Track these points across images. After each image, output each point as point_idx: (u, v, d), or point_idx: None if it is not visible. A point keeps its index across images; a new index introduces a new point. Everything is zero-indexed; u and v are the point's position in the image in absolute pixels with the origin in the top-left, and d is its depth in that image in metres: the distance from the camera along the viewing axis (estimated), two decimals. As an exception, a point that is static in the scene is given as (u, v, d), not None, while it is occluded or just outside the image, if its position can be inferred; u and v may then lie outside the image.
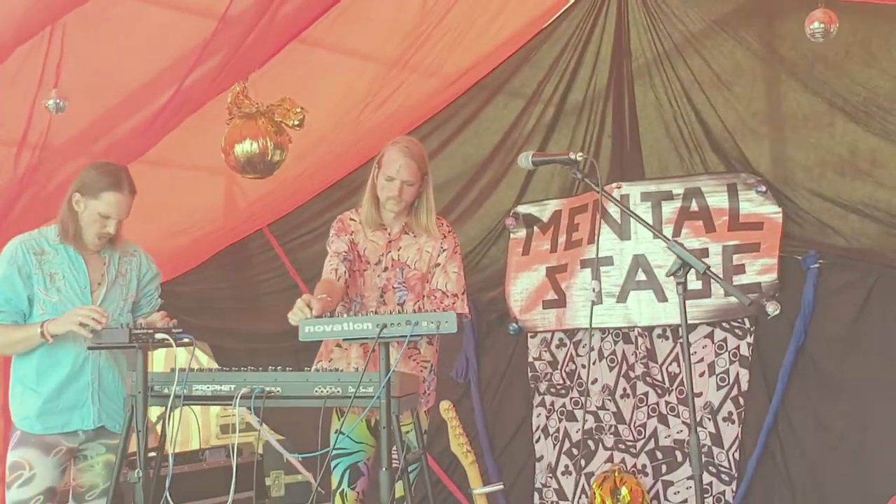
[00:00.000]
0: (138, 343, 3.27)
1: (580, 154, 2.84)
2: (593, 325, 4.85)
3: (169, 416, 3.35)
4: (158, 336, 3.32)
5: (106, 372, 3.59)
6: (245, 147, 4.75)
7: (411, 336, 3.12)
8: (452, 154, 5.47)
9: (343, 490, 3.68)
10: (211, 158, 5.23)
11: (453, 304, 3.70)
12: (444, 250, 3.78)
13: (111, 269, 3.64)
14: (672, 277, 4.44)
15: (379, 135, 5.04)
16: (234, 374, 3.35)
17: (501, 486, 3.16)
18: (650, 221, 4.68)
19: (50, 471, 3.48)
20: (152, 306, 3.75)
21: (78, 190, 3.52)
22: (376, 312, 3.68)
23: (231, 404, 3.29)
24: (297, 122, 4.84)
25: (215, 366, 5.74)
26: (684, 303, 2.69)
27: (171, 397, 3.28)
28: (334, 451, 3.70)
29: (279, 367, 3.38)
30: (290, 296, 6.11)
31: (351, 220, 3.84)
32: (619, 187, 4.78)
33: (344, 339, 3.43)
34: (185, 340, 3.36)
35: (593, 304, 3.14)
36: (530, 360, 5.15)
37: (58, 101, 3.93)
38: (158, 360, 6.20)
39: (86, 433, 3.55)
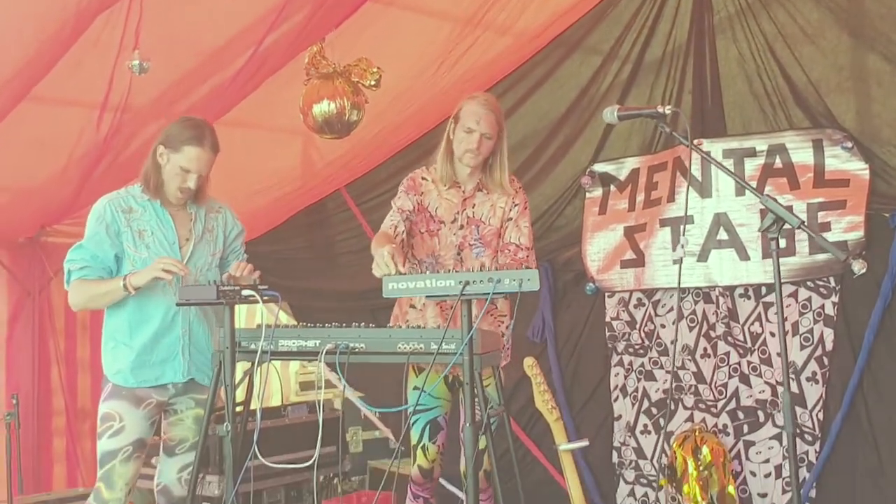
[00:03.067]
0: (226, 299, 3.33)
1: (668, 107, 2.79)
2: (672, 286, 4.81)
3: (257, 371, 3.43)
4: (245, 293, 3.38)
5: (196, 326, 3.67)
6: (322, 107, 4.79)
7: (494, 293, 3.13)
8: (528, 112, 5.43)
9: (424, 444, 3.72)
10: (289, 119, 5.28)
11: (527, 256, 3.74)
12: (515, 205, 3.80)
13: (198, 225, 3.70)
14: (757, 238, 4.46)
15: (454, 93, 5.02)
16: (319, 330, 3.41)
17: (587, 443, 3.16)
18: (732, 179, 4.60)
19: (139, 423, 3.58)
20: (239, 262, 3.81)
21: (162, 143, 3.59)
22: (455, 271, 3.70)
23: (316, 359, 3.36)
24: (373, 82, 4.86)
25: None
26: (778, 259, 2.64)
27: (259, 352, 3.35)
28: (405, 408, 3.74)
29: (363, 324, 3.43)
30: (367, 256, 6.16)
31: (423, 178, 3.85)
32: (699, 144, 4.69)
33: (427, 297, 3.43)
34: (272, 296, 3.42)
35: (682, 259, 3.09)
36: (608, 319, 5.12)
37: (142, 62, 3.98)
38: (239, 316, 6.32)
39: (175, 387, 3.64)
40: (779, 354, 4.50)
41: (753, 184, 4.56)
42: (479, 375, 3.22)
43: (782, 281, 4.47)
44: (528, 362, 3.14)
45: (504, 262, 3.70)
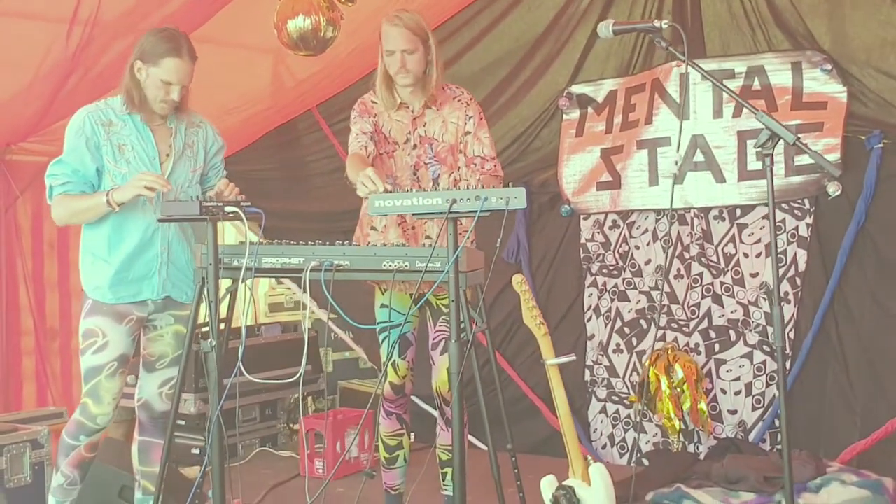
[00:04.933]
0: (209, 216, 3.30)
1: (665, 21, 2.76)
2: (647, 207, 4.85)
3: (241, 287, 3.42)
4: (228, 209, 3.35)
5: (175, 244, 3.63)
6: (298, 23, 4.70)
7: (482, 211, 3.14)
8: (504, 32, 5.37)
9: (394, 360, 3.75)
10: (260, 37, 5.17)
11: (494, 166, 3.73)
12: (469, 118, 3.77)
13: (178, 140, 3.64)
14: (733, 160, 4.48)
15: (430, 10, 4.94)
16: (304, 248, 3.39)
17: (573, 358, 3.20)
18: (710, 100, 4.62)
19: (122, 338, 3.55)
20: (220, 178, 3.77)
21: (139, 57, 3.51)
22: (411, 190, 3.69)
23: (300, 277, 3.35)
24: (349, -2, 4.77)
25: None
26: (772, 174, 2.66)
27: (244, 269, 3.34)
28: (382, 325, 3.77)
29: (347, 242, 3.42)
30: (339, 177, 6.11)
31: (373, 102, 3.81)
32: (678, 65, 4.69)
33: (414, 215, 3.42)
34: (255, 213, 3.39)
35: (675, 176, 3.10)
36: (582, 241, 5.15)
37: (115, -28, 3.87)
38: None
39: (154, 303, 3.62)
40: (752, 275, 4.60)
41: (731, 106, 4.59)
42: (465, 293, 3.25)
43: (756, 203, 4.57)
44: (518, 279, 3.16)
45: (474, 176, 3.68)
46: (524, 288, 3.08)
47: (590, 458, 3.03)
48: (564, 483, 3.02)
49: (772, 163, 2.63)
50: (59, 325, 5.91)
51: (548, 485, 3.07)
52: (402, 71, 3.66)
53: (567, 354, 3.13)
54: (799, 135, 4.20)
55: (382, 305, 3.79)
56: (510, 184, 3.68)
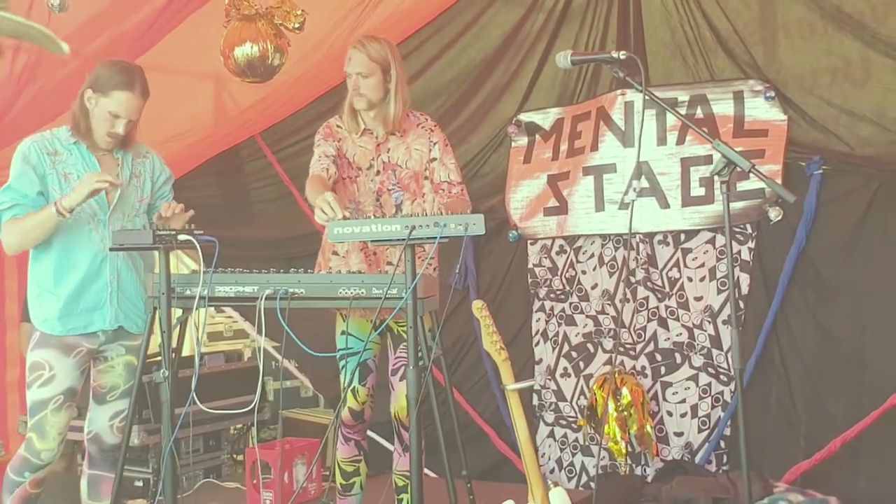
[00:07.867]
0: (162, 244, 3.26)
1: (623, 53, 2.82)
2: (593, 233, 4.91)
3: (193, 316, 3.38)
4: (181, 237, 3.32)
5: (125, 273, 3.59)
6: (245, 50, 4.69)
7: (441, 238, 3.16)
8: (451, 61, 5.41)
9: (354, 386, 3.74)
10: (203, 63, 5.14)
11: (462, 191, 3.79)
12: (434, 144, 3.82)
13: (125, 170, 3.62)
14: (677, 186, 4.57)
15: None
16: (258, 276, 3.38)
17: (534, 383, 3.22)
18: (654, 128, 4.70)
19: (70, 371, 3.49)
20: (169, 202, 3.73)
21: (90, 86, 3.49)
22: (374, 216, 3.70)
23: (255, 305, 3.32)
24: (297, 25, 4.78)
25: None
26: (728, 201, 2.71)
27: (197, 298, 3.30)
28: (343, 352, 3.76)
29: (301, 269, 3.40)
30: (284, 204, 6.11)
31: (338, 126, 3.85)
32: (623, 94, 4.78)
33: (372, 242, 3.43)
34: (209, 241, 3.36)
35: (633, 203, 3.16)
36: (530, 266, 5.19)
37: (62, -1, 3.82)
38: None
39: (105, 334, 3.56)
40: (696, 298, 4.68)
41: (675, 134, 4.68)
42: (423, 320, 3.26)
43: (700, 228, 4.66)
44: (478, 304, 3.17)
45: (442, 201, 3.72)
46: (484, 314, 3.10)
47: (550, 482, 3.04)
48: (525, 508, 3.03)
49: (728, 189, 2.69)
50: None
51: (507, 510, 3.08)
52: (355, 94, 3.72)
53: (527, 380, 3.14)
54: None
55: (343, 332, 3.77)
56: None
